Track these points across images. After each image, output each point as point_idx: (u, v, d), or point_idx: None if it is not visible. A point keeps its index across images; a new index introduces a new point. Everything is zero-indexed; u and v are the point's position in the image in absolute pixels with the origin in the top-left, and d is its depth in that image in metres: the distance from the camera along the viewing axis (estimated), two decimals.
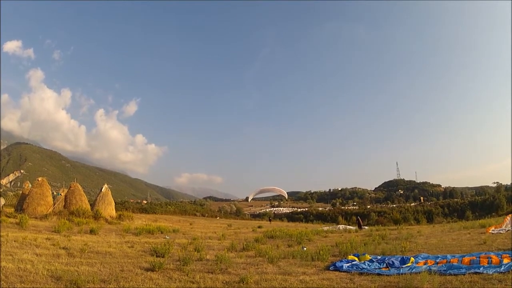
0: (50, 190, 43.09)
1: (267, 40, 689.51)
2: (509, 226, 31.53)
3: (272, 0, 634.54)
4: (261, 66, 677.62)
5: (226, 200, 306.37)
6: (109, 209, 45.12)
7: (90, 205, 44.81)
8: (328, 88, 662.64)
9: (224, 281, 12.86)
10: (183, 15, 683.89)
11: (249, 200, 57.33)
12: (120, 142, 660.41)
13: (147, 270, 14.19)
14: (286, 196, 58.03)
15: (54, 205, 41.02)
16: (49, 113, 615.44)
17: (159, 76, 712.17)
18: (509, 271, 12.78)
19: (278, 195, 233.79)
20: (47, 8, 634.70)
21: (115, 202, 49.37)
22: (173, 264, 15.68)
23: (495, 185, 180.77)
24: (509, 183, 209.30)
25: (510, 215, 40.19)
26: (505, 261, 14.28)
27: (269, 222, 76.07)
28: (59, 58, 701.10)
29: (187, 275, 13.51)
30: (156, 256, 17.25)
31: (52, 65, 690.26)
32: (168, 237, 29.28)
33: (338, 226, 56.91)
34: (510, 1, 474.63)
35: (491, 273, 12.80)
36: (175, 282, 12.58)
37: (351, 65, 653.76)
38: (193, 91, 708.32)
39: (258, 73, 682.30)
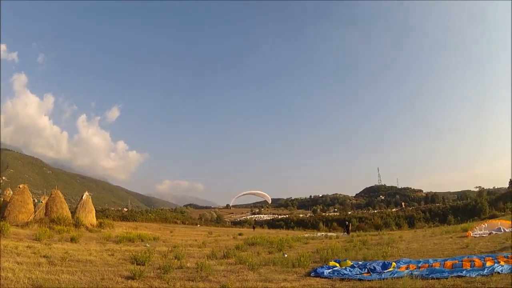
0: (31, 198, 42.57)
1: (261, 41, 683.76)
2: (488, 230, 31.95)
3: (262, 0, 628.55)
4: (249, 71, 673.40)
5: (206, 208, 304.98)
6: (89, 217, 44.70)
7: (71, 212, 44.31)
8: (313, 95, 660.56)
9: None
10: (174, 17, 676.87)
11: (232, 202, 57.55)
12: (101, 148, 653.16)
13: (128, 278, 14.04)
14: (270, 201, 58.21)
15: (35, 212, 40.54)
16: (31, 118, 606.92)
17: (141, 81, 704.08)
18: (492, 274, 12.89)
19: (260, 202, 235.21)
20: (34, 8, 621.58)
21: (95, 210, 48.97)
22: (153, 272, 15.53)
23: (477, 189, 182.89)
24: (491, 187, 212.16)
25: (492, 220, 40.61)
26: (488, 264, 14.39)
27: (252, 229, 75.79)
28: (43, 62, 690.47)
29: (168, 283, 13.41)
30: (137, 264, 16.95)
31: (36, 69, 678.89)
32: (148, 245, 29.02)
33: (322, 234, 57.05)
34: None
35: (474, 276, 12.89)
36: None
37: (338, 69, 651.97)
38: (175, 97, 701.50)
39: (244, 79, 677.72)
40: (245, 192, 55.17)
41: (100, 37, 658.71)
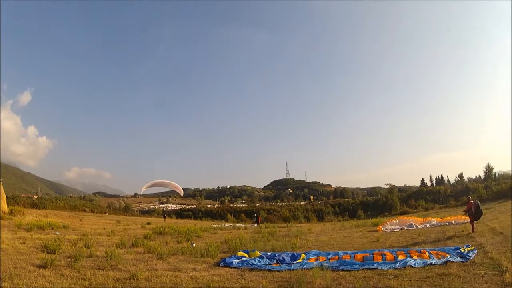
0: None
1: (164, 37, 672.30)
2: (400, 226, 33.07)
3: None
4: (155, 64, 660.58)
5: (115, 196, 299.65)
6: (1, 204, 42.59)
7: None
8: (226, 88, 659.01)
9: (115, 278, 12.71)
10: (84, 7, 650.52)
11: (141, 191, 55.76)
12: (12, 133, 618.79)
13: (39, 267, 13.82)
14: (182, 193, 57.32)
15: None
16: None
17: (53, 67, 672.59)
18: (405, 267, 13.21)
19: (168, 191, 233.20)
20: None
21: (6, 197, 46.72)
22: (64, 260, 15.34)
23: (388, 186, 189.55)
24: (402, 185, 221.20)
25: (404, 216, 42.13)
26: (401, 257, 14.86)
27: (163, 219, 74.47)
28: None
29: (78, 272, 13.28)
30: (47, 253, 16.79)
31: None
32: (58, 233, 28.24)
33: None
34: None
35: (386, 269, 13.24)
36: (67, 279, 12.25)
37: (252, 65, 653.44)
38: (86, 84, 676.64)
39: (152, 71, 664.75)
40: (155, 181, 53.95)
41: (13, 23, 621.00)
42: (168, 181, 56.14)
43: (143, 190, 57.31)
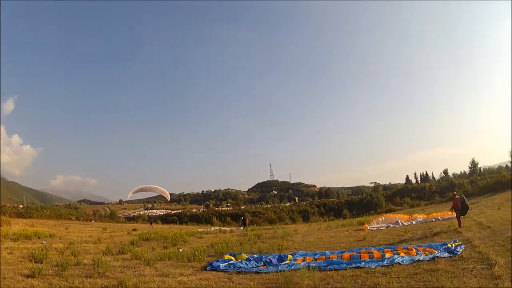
0: None
1: (147, 38, 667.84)
2: (386, 223, 33.16)
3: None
4: (140, 66, 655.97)
5: (100, 203, 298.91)
6: None
7: None
8: (208, 91, 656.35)
9: (103, 285, 12.72)
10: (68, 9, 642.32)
11: (128, 197, 55.39)
12: None
13: (28, 276, 13.84)
14: (169, 198, 57.05)
15: None
16: None
17: (36, 74, 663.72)
18: (393, 265, 13.21)
19: (153, 197, 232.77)
20: None
21: None
22: (52, 269, 15.24)
23: (372, 185, 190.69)
24: (387, 183, 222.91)
25: (390, 214, 42.31)
26: (388, 255, 14.86)
27: (150, 225, 73.97)
28: None
29: (66, 280, 13.28)
30: (35, 262, 16.78)
31: None
32: (45, 242, 28.17)
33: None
34: None
35: (373, 267, 13.23)
36: None
37: (236, 65, 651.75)
38: (69, 91, 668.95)
39: (136, 74, 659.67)
40: (142, 186, 53.63)
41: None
42: (154, 186, 55.92)
43: (129, 196, 57.02)
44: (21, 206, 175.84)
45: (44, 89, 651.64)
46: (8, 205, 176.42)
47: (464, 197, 25.41)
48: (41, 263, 16.68)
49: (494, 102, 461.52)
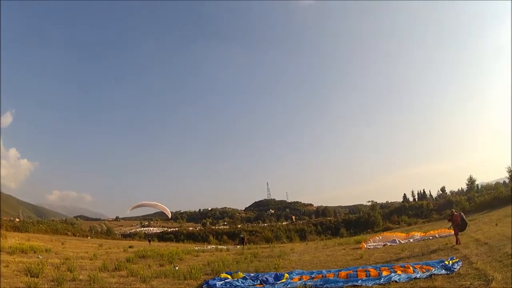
0: None
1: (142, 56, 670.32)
2: (383, 242, 33.14)
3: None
4: (134, 83, 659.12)
5: (96, 220, 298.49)
6: None
7: None
8: (205, 108, 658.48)
9: None
10: (69, 28, 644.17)
11: (128, 212, 55.37)
12: None
13: None
14: (169, 215, 56.99)
15: None
16: None
17: (34, 87, 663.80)
18: (389, 283, 13.23)
19: (150, 214, 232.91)
20: None
21: None
22: (47, 284, 15.44)
23: (370, 203, 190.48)
24: (384, 202, 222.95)
25: (387, 232, 42.30)
26: (385, 273, 14.88)
27: (148, 243, 73.54)
28: None
29: None
30: (31, 276, 16.71)
31: None
32: (41, 257, 28.16)
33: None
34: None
35: (370, 285, 13.28)
36: None
37: (231, 82, 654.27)
38: (66, 106, 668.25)
39: (130, 90, 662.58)
40: (143, 202, 53.53)
41: None
42: (155, 203, 55.88)
43: (129, 211, 56.94)
44: (17, 219, 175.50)
45: (41, 103, 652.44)
46: (5, 218, 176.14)
47: (463, 214, 25.52)
48: (37, 277, 16.76)
49: (491, 119, 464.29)
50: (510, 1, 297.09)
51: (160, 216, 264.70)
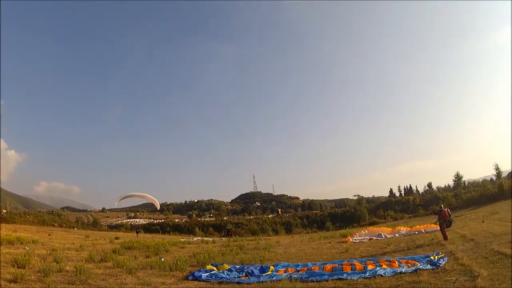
0: None
1: (135, 48, 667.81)
2: (369, 236, 33.25)
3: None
4: (125, 78, 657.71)
5: (83, 211, 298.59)
6: None
7: None
8: (189, 100, 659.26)
9: None
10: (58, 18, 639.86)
11: (116, 203, 54.92)
12: None
13: (10, 281, 13.79)
14: (158, 207, 56.72)
15: None
16: None
17: (23, 79, 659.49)
18: (375, 277, 13.22)
19: (136, 206, 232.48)
20: None
21: None
22: (34, 275, 15.24)
23: (356, 197, 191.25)
24: (370, 196, 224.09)
25: (373, 227, 42.42)
26: (370, 267, 14.90)
27: (136, 235, 72.82)
28: None
29: (49, 286, 13.28)
30: (18, 268, 16.68)
31: None
32: (28, 248, 28.07)
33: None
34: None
35: (355, 278, 13.24)
36: None
37: (223, 77, 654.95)
38: (55, 98, 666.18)
39: (122, 84, 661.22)
40: (132, 193, 53.18)
41: None
42: (144, 194, 55.62)
43: (117, 202, 56.53)
44: (4, 211, 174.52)
45: (30, 95, 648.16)
46: None
47: (449, 210, 25.62)
48: (24, 268, 16.65)
49: (480, 119, 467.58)
50: (510, 1, 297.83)
51: (146, 207, 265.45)
